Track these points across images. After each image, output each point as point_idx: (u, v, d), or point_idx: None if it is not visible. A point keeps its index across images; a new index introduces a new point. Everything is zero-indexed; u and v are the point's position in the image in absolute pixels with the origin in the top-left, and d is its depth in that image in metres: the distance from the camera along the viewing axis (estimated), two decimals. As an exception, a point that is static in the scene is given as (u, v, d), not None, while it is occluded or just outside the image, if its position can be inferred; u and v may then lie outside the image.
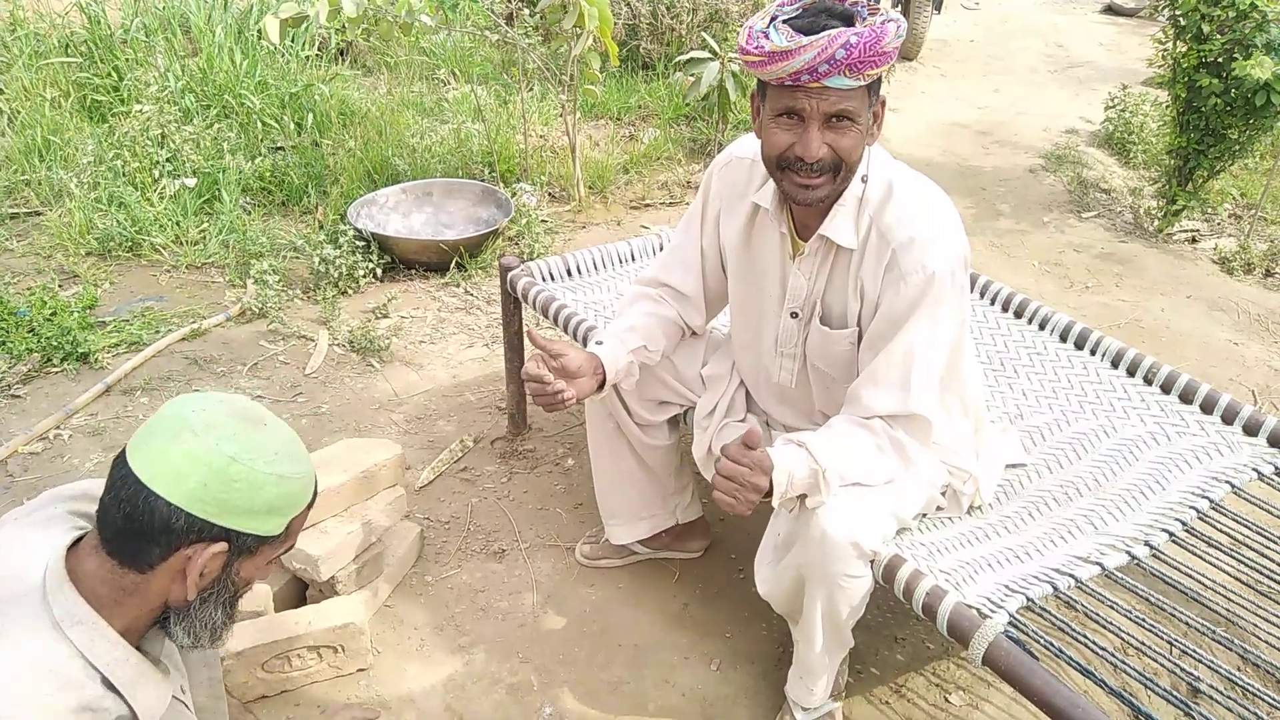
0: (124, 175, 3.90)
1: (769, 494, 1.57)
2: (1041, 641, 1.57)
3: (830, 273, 1.69)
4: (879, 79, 1.51)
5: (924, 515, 1.85)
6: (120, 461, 1.14)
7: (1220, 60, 3.79)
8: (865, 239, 1.62)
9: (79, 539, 1.19)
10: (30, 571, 1.13)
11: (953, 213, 1.64)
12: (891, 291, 1.60)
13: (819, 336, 1.74)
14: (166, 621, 1.21)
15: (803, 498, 1.59)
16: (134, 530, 1.11)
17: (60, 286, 3.38)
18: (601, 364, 1.79)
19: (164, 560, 1.13)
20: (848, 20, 1.46)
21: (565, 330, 2.34)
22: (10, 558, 1.15)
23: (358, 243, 3.54)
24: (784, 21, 1.48)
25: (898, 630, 2.20)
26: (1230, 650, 1.64)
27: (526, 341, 1.77)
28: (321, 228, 3.73)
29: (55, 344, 2.98)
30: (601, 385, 1.80)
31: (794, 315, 1.77)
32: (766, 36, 1.45)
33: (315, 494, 1.25)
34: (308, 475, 1.21)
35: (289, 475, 1.16)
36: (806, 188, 1.55)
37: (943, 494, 1.85)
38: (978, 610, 1.56)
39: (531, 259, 3.39)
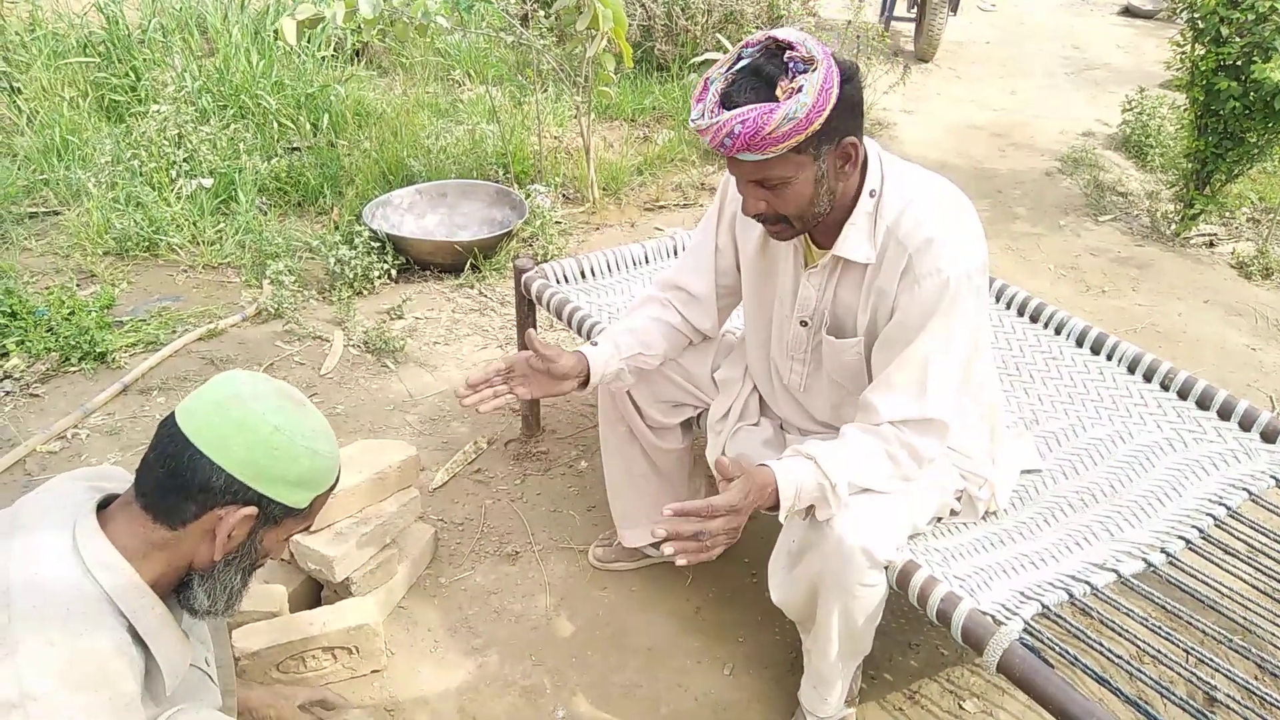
0: (141, 175, 3.93)
1: (775, 508, 1.56)
2: (1057, 649, 1.56)
3: (839, 285, 1.69)
4: (818, 135, 1.45)
5: (939, 520, 1.85)
6: (169, 422, 1.22)
7: (1239, 63, 3.76)
8: (883, 249, 1.61)
9: (106, 502, 1.25)
10: (59, 527, 1.18)
11: (971, 216, 1.62)
12: (907, 295, 1.59)
13: (828, 346, 1.75)
14: (186, 588, 1.27)
15: (812, 508, 1.59)
16: (174, 485, 1.19)
17: (78, 286, 3.41)
18: (587, 363, 1.81)
19: (197, 518, 1.20)
20: (771, 84, 1.43)
21: (579, 332, 2.34)
22: (38, 517, 1.19)
23: (373, 243, 3.55)
24: (722, 79, 1.46)
25: (912, 636, 2.19)
26: (1247, 659, 1.63)
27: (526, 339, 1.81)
28: (337, 228, 3.74)
29: (73, 343, 3.01)
30: (585, 383, 1.83)
31: (803, 324, 1.77)
32: (699, 100, 1.48)
33: (337, 481, 1.33)
34: (336, 458, 1.30)
35: (322, 453, 1.26)
36: (775, 233, 1.65)
37: (958, 499, 1.84)
38: (992, 617, 1.55)
39: (545, 260, 3.40)
